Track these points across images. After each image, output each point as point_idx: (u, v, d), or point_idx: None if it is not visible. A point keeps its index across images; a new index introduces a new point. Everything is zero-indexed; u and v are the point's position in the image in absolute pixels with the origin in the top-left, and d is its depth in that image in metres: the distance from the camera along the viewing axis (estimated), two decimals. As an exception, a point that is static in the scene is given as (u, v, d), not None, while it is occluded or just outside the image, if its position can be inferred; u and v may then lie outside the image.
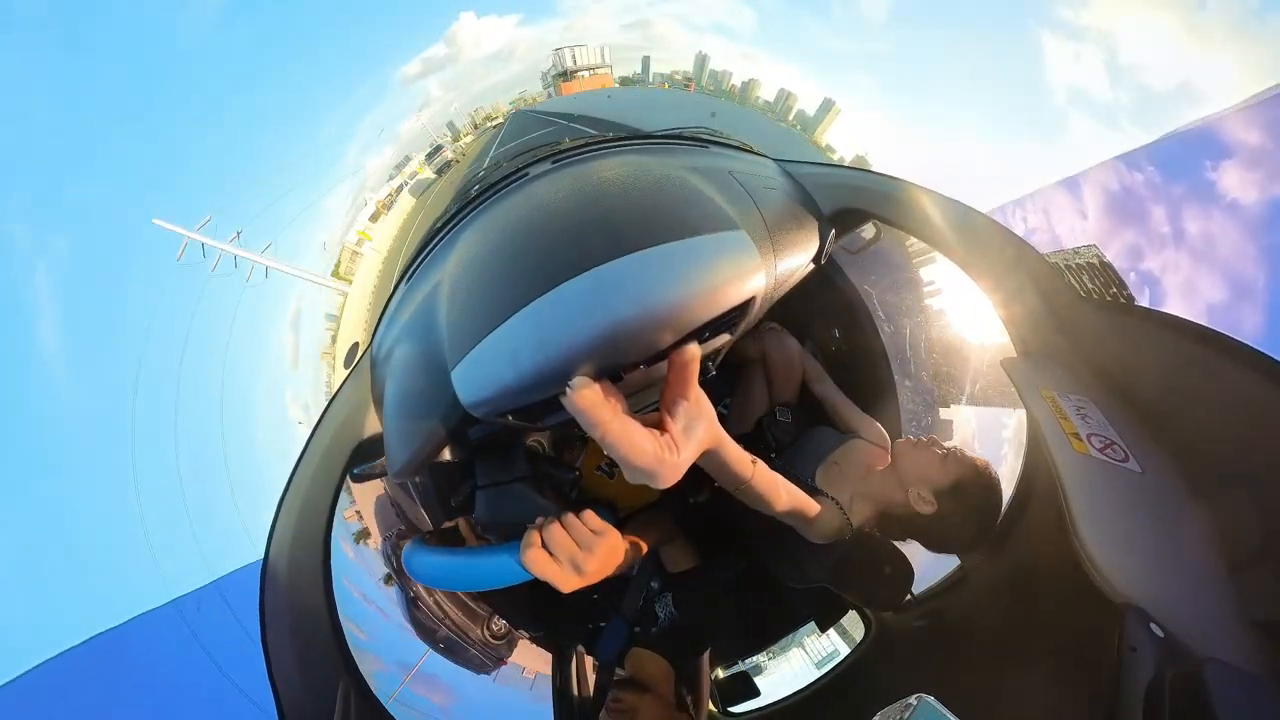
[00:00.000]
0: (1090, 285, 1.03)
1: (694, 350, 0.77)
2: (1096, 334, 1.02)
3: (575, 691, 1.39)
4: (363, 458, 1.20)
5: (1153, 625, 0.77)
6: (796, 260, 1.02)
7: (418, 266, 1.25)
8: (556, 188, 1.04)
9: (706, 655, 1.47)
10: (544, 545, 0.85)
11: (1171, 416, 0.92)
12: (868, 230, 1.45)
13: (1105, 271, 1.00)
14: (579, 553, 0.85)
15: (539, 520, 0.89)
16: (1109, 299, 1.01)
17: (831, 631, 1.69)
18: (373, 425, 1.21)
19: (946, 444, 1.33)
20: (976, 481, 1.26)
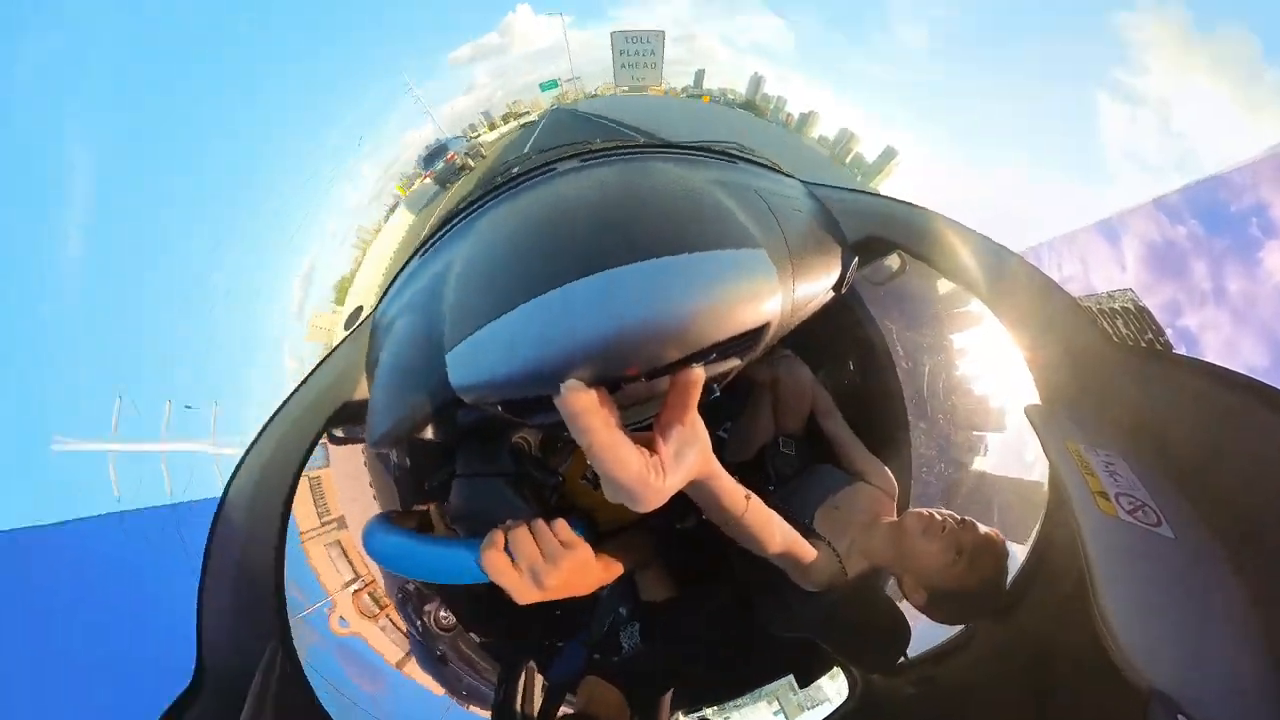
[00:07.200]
0: (1125, 330, 0.95)
1: (698, 374, 0.74)
2: (1129, 382, 0.93)
3: (517, 709, 1.27)
4: (344, 419, 1.18)
5: (1180, 717, 0.66)
6: (816, 286, 0.98)
7: (434, 243, 1.27)
8: (580, 186, 1.04)
9: (668, 696, 1.34)
10: (506, 548, 0.78)
11: (1210, 476, 0.82)
12: (893, 261, 1.41)
13: (1141, 317, 0.92)
14: (542, 563, 0.77)
15: (508, 521, 0.83)
16: (1144, 345, 0.93)
17: (810, 688, 1.53)
18: (362, 390, 1.19)
19: (962, 524, 1.16)
20: (980, 591, 1.12)
